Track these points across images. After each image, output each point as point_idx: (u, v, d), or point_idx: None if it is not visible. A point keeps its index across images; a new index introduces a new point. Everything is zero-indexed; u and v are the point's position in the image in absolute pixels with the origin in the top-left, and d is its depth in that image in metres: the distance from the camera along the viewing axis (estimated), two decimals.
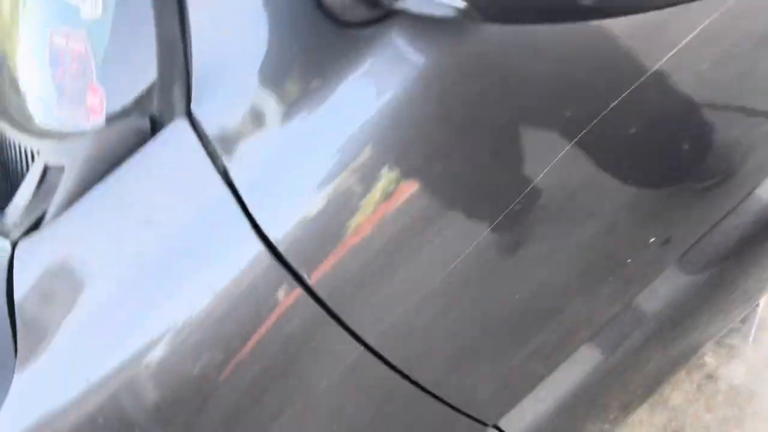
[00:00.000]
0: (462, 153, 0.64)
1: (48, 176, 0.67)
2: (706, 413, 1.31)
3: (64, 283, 0.65)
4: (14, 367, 0.65)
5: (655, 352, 0.96)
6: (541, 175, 0.65)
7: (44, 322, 0.65)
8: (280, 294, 0.64)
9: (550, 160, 0.65)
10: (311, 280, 0.63)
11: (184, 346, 0.63)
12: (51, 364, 0.65)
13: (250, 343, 0.64)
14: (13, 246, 0.67)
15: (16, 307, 0.65)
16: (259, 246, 0.63)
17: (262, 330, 0.64)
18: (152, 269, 0.64)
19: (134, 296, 0.64)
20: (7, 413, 0.64)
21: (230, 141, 0.63)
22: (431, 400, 0.77)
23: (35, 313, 0.65)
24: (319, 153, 0.63)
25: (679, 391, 1.33)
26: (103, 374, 0.63)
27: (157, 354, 0.62)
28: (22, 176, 0.71)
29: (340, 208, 0.63)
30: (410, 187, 0.63)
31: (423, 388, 0.75)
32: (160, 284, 0.64)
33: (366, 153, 0.61)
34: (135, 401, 0.63)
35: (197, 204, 0.64)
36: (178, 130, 0.64)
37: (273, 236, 0.63)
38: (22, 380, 0.65)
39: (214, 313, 0.63)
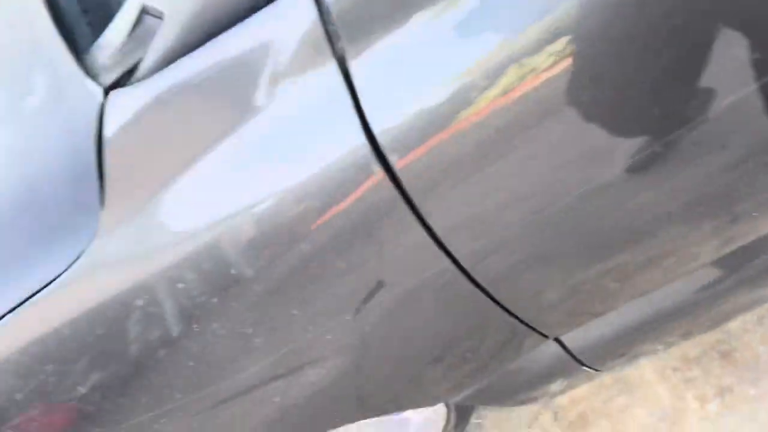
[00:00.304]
0: (630, 64, 0.58)
1: (145, 20, 0.62)
2: (760, 345, 1.29)
3: (160, 143, 0.63)
4: (99, 216, 0.64)
5: (741, 296, 0.92)
6: (714, 111, 0.58)
7: (136, 175, 0.64)
8: (367, 175, 0.62)
9: (729, 96, 0.57)
10: (397, 165, 0.62)
11: (276, 204, 0.63)
12: (142, 214, 0.64)
13: (333, 211, 0.64)
14: (106, 92, 0.63)
15: (105, 156, 0.63)
16: (360, 138, 0.61)
17: (346, 203, 0.64)
18: (255, 143, 0.62)
19: (240, 160, 0.63)
20: (93, 256, 0.65)
21: (354, 22, 0.57)
22: (490, 303, 0.76)
23: (127, 165, 0.64)
24: (452, 42, 0.58)
25: (738, 318, 1.30)
26: (201, 224, 0.64)
27: (260, 207, 0.63)
28: (119, 6, 0.66)
29: (455, 100, 0.59)
30: (540, 86, 0.59)
31: (482, 289, 0.74)
32: (262, 155, 0.62)
33: (506, 46, 0.57)
34: (233, 241, 0.64)
35: (306, 86, 0.60)
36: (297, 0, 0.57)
37: (377, 129, 0.60)
38: (107, 229, 0.64)
39: (312, 180, 0.62)
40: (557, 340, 0.89)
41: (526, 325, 0.82)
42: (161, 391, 0.73)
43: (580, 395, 1.42)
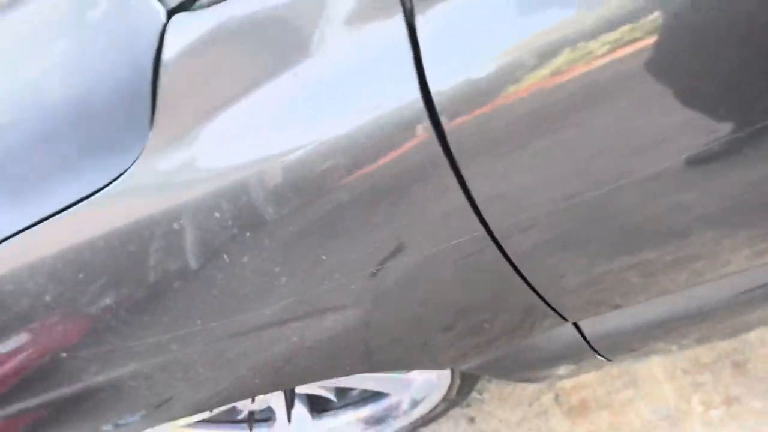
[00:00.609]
0: (703, 58, 0.56)
1: None
2: None
3: (216, 72, 0.63)
4: (147, 136, 0.65)
5: (765, 309, 0.91)
6: None
7: (188, 101, 0.64)
8: (415, 132, 0.62)
9: None
10: (448, 126, 0.62)
11: (318, 149, 0.63)
12: (189, 140, 0.65)
13: (372, 165, 0.64)
14: (169, 14, 0.63)
15: (161, 78, 0.64)
16: (415, 94, 0.60)
17: (390, 156, 0.64)
18: (308, 85, 0.62)
19: (291, 100, 0.63)
20: (136, 175, 0.66)
21: None
22: (514, 277, 0.77)
23: (180, 89, 0.64)
24: (521, 9, 0.58)
25: (758, 330, 1.29)
26: (245, 158, 0.64)
27: (305, 149, 0.63)
28: None
29: (516, 69, 0.59)
30: (599, 69, 0.58)
31: (511, 263, 0.75)
32: (313, 98, 0.63)
33: (574, 22, 0.57)
34: (274, 180, 0.64)
35: (368, 33, 0.60)
36: None
37: (433, 87, 0.60)
38: (153, 149, 0.65)
39: (361, 130, 0.62)
40: (575, 325, 0.89)
41: (547, 305, 0.83)
42: (183, 315, 0.75)
43: (584, 382, 1.43)
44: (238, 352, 0.81)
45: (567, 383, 1.45)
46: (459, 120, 0.61)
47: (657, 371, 1.36)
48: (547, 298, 0.81)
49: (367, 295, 0.76)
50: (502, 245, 0.72)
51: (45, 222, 0.69)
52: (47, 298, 0.72)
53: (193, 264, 0.69)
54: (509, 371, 1.02)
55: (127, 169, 0.66)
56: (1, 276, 0.71)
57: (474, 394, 1.52)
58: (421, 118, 0.61)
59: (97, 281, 0.71)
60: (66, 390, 0.84)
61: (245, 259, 0.69)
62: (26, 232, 0.69)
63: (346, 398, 1.53)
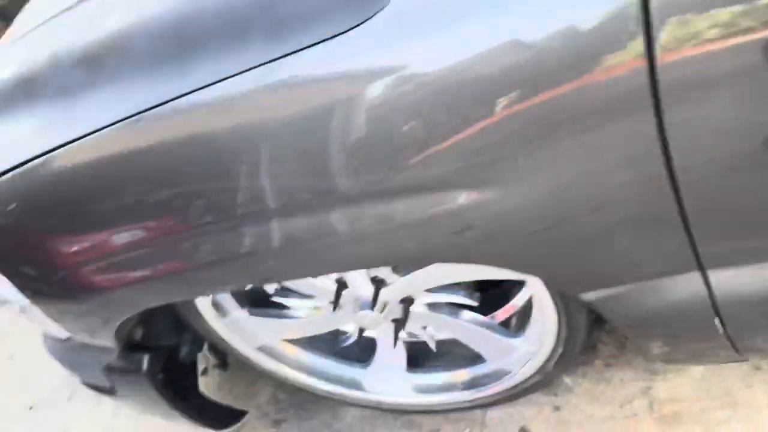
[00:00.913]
0: None
1: None
2: None
3: None
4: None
5: None
6: None
7: None
8: (623, 58, 0.68)
9: None
10: (659, 61, 0.66)
11: (543, 45, 0.71)
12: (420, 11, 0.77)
13: (584, 78, 0.70)
14: None
15: None
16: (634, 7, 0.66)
17: (596, 76, 0.69)
18: None
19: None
20: (369, 29, 0.78)
21: None
22: (678, 223, 0.83)
23: None
24: None
25: None
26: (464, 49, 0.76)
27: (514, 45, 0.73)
28: None
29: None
30: None
31: (682, 208, 0.81)
32: None
33: None
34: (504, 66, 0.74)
35: None
36: None
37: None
38: (394, 8, 0.78)
39: (571, 33, 0.69)
40: (703, 273, 0.93)
41: (694, 247, 0.87)
42: (353, 181, 0.87)
43: (682, 395, 1.44)
44: (387, 222, 0.90)
45: (663, 393, 1.46)
46: (676, 53, 0.65)
47: (760, 397, 1.36)
48: (697, 240, 0.86)
49: (521, 180, 0.83)
50: (678, 186, 0.78)
51: (286, 57, 0.83)
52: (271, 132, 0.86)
53: (381, 131, 0.82)
54: (621, 315, 1.04)
55: (368, 19, 0.78)
56: (242, 96, 0.85)
57: (566, 380, 1.55)
58: (634, 38, 0.65)
59: (322, 125, 0.83)
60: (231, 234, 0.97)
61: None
62: (278, 61, 0.82)
63: (444, 357, 1.59)
